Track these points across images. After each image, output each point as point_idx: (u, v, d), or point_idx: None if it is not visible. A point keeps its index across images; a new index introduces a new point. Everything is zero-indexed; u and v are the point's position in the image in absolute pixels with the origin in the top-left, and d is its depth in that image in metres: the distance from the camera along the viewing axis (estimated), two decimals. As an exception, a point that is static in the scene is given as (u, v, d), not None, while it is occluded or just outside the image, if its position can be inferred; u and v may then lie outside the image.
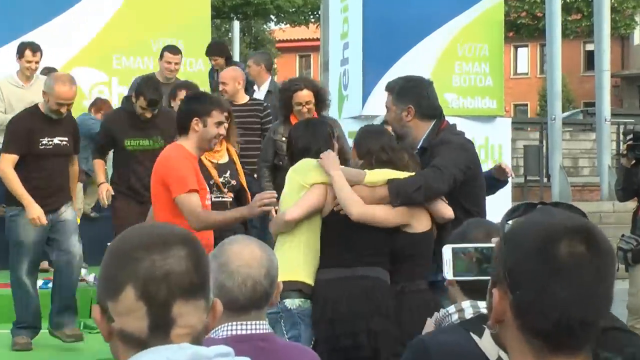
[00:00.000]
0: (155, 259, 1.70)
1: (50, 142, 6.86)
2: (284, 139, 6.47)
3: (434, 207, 4.94)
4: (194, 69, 10.83)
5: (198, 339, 1.73)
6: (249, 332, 2.77)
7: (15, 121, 7.04)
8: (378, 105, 9.88)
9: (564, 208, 1.86)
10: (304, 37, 37.94)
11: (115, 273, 1.72)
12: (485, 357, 2.41)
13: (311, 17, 25.15)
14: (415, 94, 5.24)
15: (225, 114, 5.44)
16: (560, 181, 14.08)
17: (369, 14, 10.88)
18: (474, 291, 2.71)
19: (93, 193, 9.17)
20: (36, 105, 7.01)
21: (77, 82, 7.12)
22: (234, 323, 2.78)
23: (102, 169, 7.63)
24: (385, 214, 4.86)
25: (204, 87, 9.84)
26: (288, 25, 27.49)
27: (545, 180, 15.55)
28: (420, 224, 4.93)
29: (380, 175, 4.91)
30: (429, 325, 2.87)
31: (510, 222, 1.82)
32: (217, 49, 10.25)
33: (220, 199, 5.97)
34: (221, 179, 6.11)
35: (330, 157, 4.94)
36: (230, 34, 25.93)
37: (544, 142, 16.15)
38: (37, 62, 9.03)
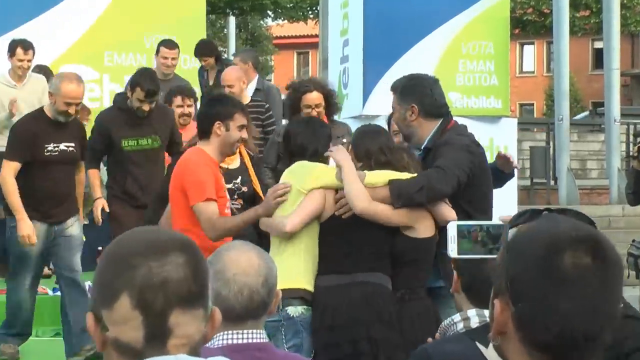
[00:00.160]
0: (152, 266, 1.69)
1: (56, 148, 6.70)
2: None
3: (436, 209, 4.94)
4: (189, 66, 10.81)
5: (196, 349, 1.73)
6: (245, 341, 2.77)
7: (19, 126, 6.90)
8: (379, 104, 9.92)
9: (571, 215, 1.86)
10: (302, 34, 37.90)
11: (111, 280, 1.71)
12: (491, 368, 2.42)
13: (310, 12, 25.14)
14: (417, 92, 5.23)
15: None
16: (568, 184, 14.10)
17: (370, 10, 10.87)
18: (480, 299, 2.72)
19: (87, 204, 9.05)
20: (41, 109, 6.90)
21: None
22: (230, 332, 2.77)
23: (98, 181, 7.39)
24: (388, 212, 4.85)
25: (196, 85, 9.84)
26: (286, 21, 27.48)
27: (552, 182, 15.57)
28: (425, 229, 4.93)
29: (381, 176, 4.91)
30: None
31: (514, 229, 1.82)
32: (207, 49, 10.14)
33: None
34: (230, 185, 5.92)
35: (341, 149, 4.96)
36: (225, 30, 25.93)
37: (551, 143, 16.15)
38: (29, 61, 8.94)
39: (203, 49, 10.09)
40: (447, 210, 4.94)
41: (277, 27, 35.40)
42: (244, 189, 6.06)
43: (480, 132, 10.03)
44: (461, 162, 4.99)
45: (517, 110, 39.23)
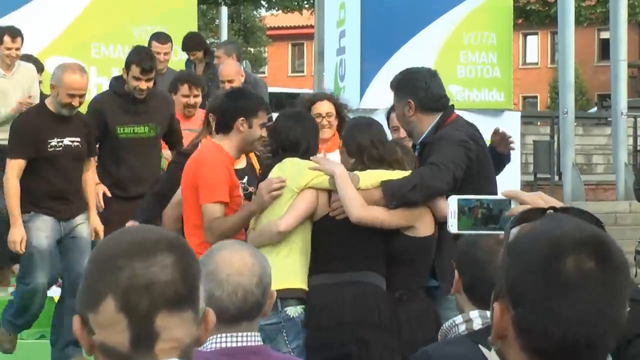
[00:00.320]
0: (137, 267, 1.68)
1: (60, 144, 6.60)
2: None
3: (435, 205, 4.96)
4: (179, 57, 10.80)
5: (187, 353, 1.72)
6: (239, 344, 2.77)
7: (20, 121, 6.83)
8: (377, 98, 9.93)
9: (576, 214, 1.82)
10: (297, 24, 37.90)
11: (96, 282, 1.71)
12: (494, 371, 2.41)
13: (305, 2, 25.13)
14: (411, 87, 5.23)
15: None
16: (573, 179, 14.09)
17: (368, 0, 10.89)
18: (482, 300, 2.72)
19: None
20: (43, 103, 6.83)
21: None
22: (224, 335, 2.77)
23: (94, 167, 7.06)
24: (386, 216, 4.87)
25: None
26: (280, 11, 27.46)
27: (556, 178, 15.56)
28: (425, 226, 4.96)
29: (373, 177, 4.93)
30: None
31: (515, 229, 1.81)
32: (195, 43, 10.01)
33: None
34: None
35: (325, 159, 4.99)
36: (217, 20, 25.91)
37: (555, 137, 16.15)
38: (17, 49, 8.87)
39: (190, 45, 9.95)
40: (445, 204, 4.93)
41: (271, 17, 35.38)
42: (251, 189, 6.03)
43: (482, 126, 10.00)
44: (456, 157, 4.98)
45: (520, 103, 39.24)
